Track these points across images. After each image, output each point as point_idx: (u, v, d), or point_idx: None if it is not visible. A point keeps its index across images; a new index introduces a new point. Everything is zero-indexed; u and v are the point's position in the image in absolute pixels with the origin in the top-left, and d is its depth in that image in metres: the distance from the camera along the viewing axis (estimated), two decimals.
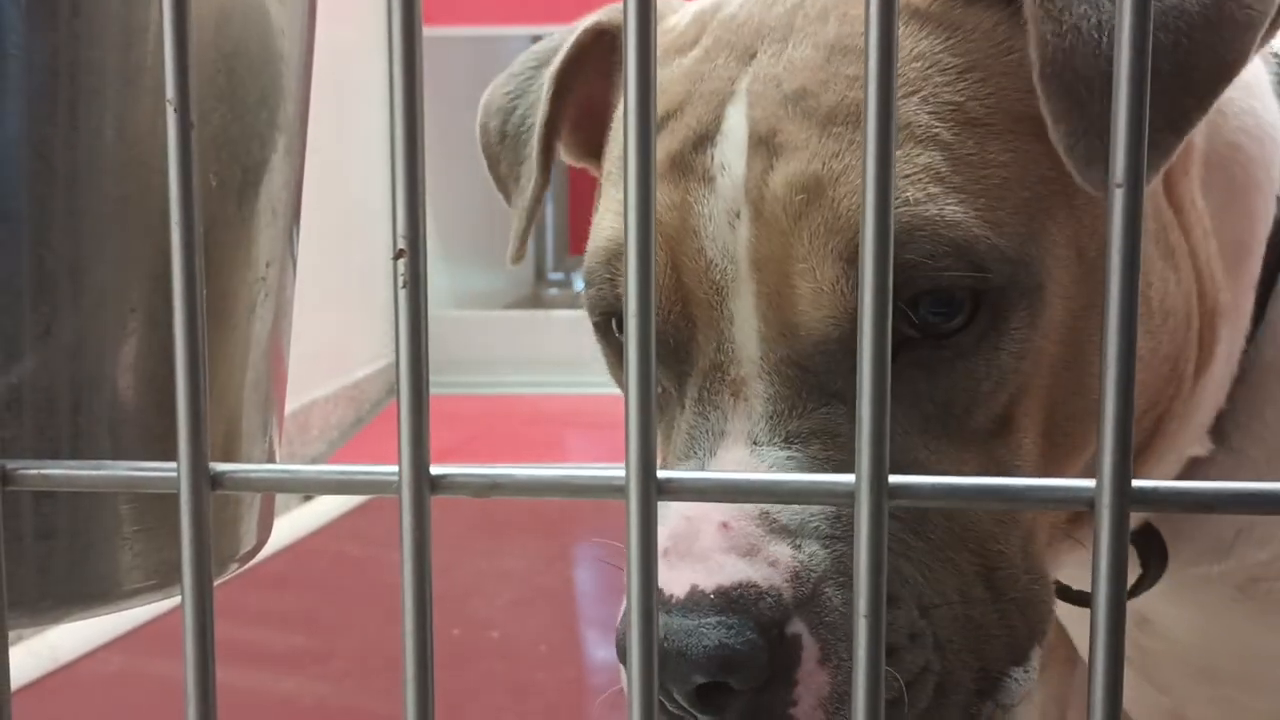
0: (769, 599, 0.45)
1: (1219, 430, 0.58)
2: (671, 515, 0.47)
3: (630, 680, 0.28)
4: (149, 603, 0.39)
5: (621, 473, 0.28)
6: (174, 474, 0.29)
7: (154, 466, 0.30)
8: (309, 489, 0.30)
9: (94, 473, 0.31)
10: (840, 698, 0.45)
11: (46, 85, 0.35)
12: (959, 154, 0.48)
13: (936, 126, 0.48)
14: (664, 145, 0.51)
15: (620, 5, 0.61)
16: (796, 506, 0.46)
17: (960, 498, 0.30)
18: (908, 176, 0.47)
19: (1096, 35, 0.45)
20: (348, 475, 0.30)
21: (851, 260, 0.47)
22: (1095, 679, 0.28)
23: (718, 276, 0.49)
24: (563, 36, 0.65)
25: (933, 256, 0.46)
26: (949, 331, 0.48)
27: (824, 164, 0.48)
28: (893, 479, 0.28)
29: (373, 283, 2.73)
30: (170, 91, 0.27)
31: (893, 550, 0.46)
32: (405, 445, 0.28)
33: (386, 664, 1.42)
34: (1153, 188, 0.52)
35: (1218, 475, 0.58)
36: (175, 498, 0.29)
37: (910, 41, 0.49)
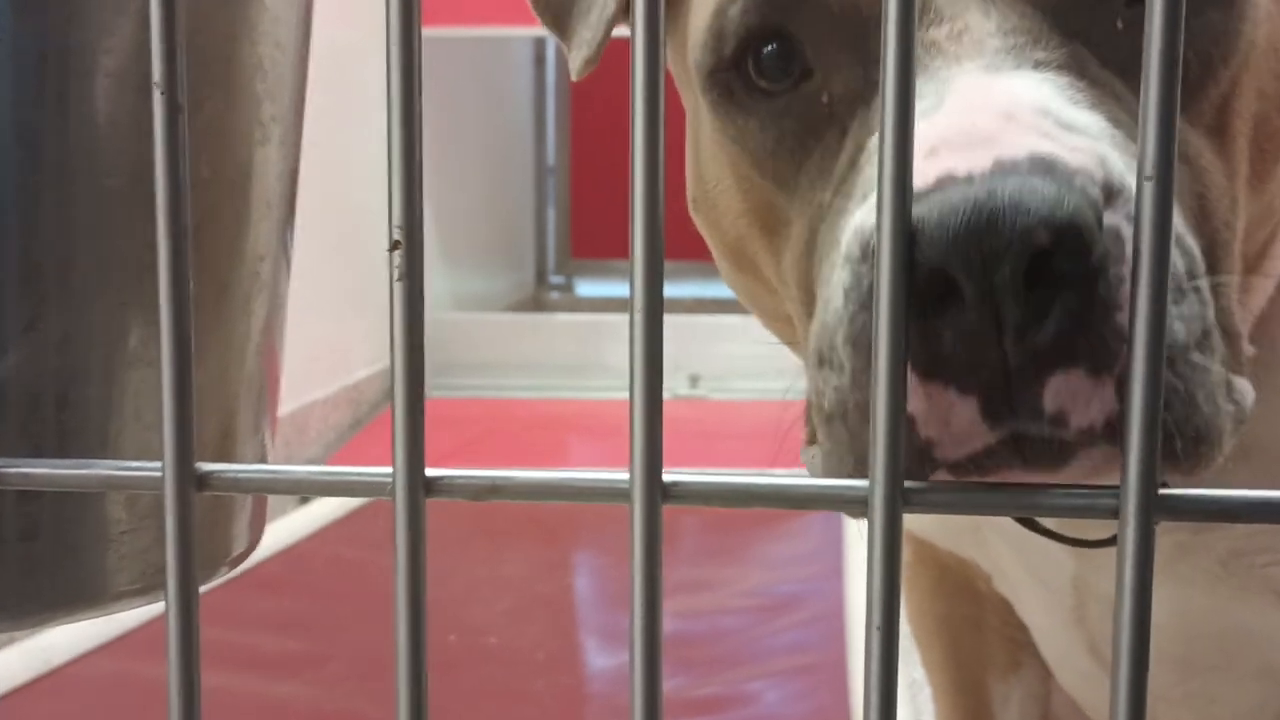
0: (1083, 175, 0.37)
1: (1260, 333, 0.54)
2: (930, 114, 0.40)
3: (632, 679, 0.28)
4: (136, 607, 0.38)
5: (625, 476, 0.27)
6: (159, 474, 0.28)
7: (139, 466, 0.29)
8: (300, 490, 0.29)
9: (77, 472, 0.30)
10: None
11: (34, 72, 0.34)
12: None
13: None
14: None
15: None
16: (1075, 108, 0.40)
17: (973, 506, 0.29)
18: None
19: None
20: (340, 476, 0.29)
21: None
22: (1118, 694, 0.27)
23: None
24: None
25: None
26: None
27: None
28: (907, 484, 0.27)
29: (371, 285, 2.72)
30: (157, 74, 0.26)
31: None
32: (400, 445, 0.27)
33: (382, 669, 1.41)
34: None
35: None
36: (162, 498, 0.28)
37: None
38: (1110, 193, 0.38)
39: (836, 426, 0.41)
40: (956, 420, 0.37)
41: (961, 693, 0.78)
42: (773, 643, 1.45)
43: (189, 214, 0.27)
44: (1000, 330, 0.36)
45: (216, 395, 0.39)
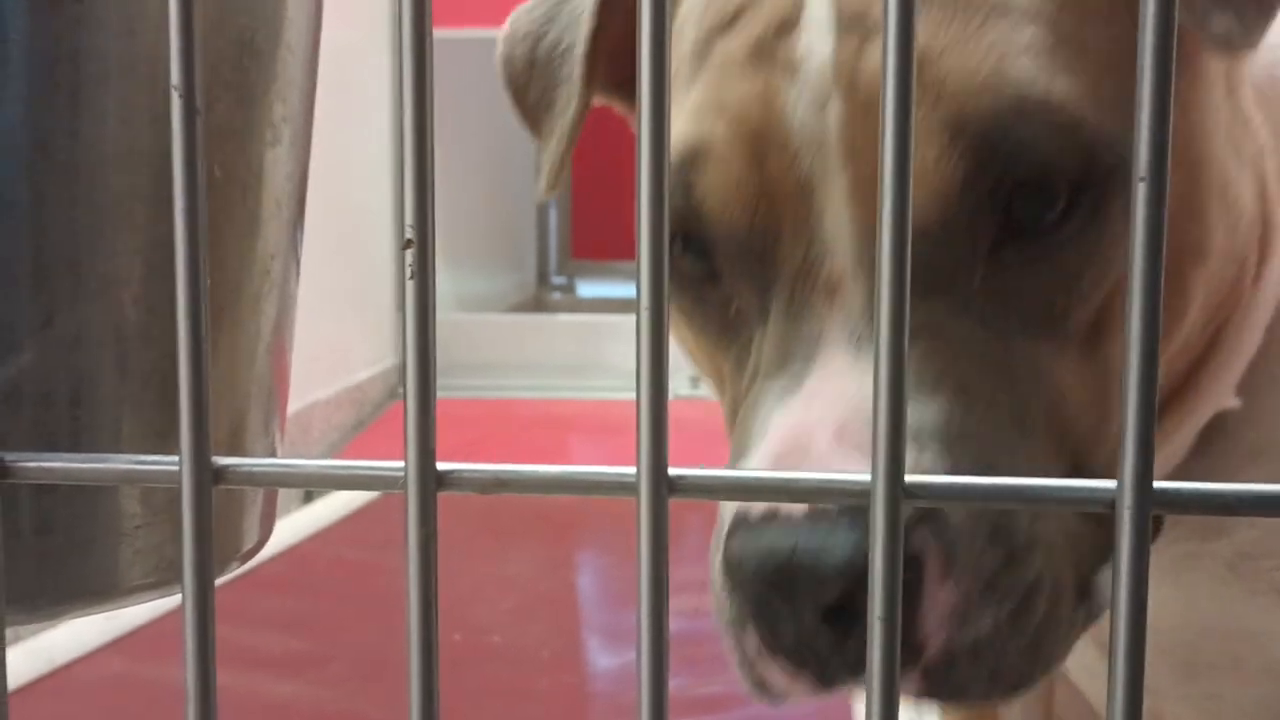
0: None
1: (1245, 385, 0.56)
2: (776, 425, 0.45)
3: (640, 678, 0.28)
4: (149, 600, 0.38)
5: (631, 470, 0.28)
6: (176, 467, 0.28)
7: (156, 460, 0.30)
8: (314, 484, 0.30)
9: (94, 466, 0.30)
10: (964, 612, 0.43)
11: (48, 72, 0.34)
12: (1062, 31, 0.46)
13: (1039, 4, 0.46)
14: (742, 36, 0.48)
15: None
16: (915, 407, 0.44)
17: (978, 497, 0.30)
18: (1015, 51, 0.45)
19: None
20: (353, 470, 0.29)
21: (955, 136, 0.44)
22: (1115, 686, 0.27)
23: (806, 168, 0.46)
24: None
25: (1040, 137, 0.44)
26: (1050, 222, 0.46)
27: (927, 36, 0.45)
28: (909, 478, 0.28)
29: (375, 285, 2.73)
30: (175, 77, 0.27)
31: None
32: (411, 440, 0.28)
33: (385, 669, 1.41)
34: (1217, 82, 0.50)
35: (1236, 428, 0.56)
36: (177, 492, 0.29)
37: None
38: (922, 513, 0.42)
39: (725, 636, 0.47)
40: (795, 680, 0.44)
41: None
42: None
43: (206, 215, 0.28)
44: (818, 641, 0.43)
45: (227, 393, 0.40)
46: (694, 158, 0.49)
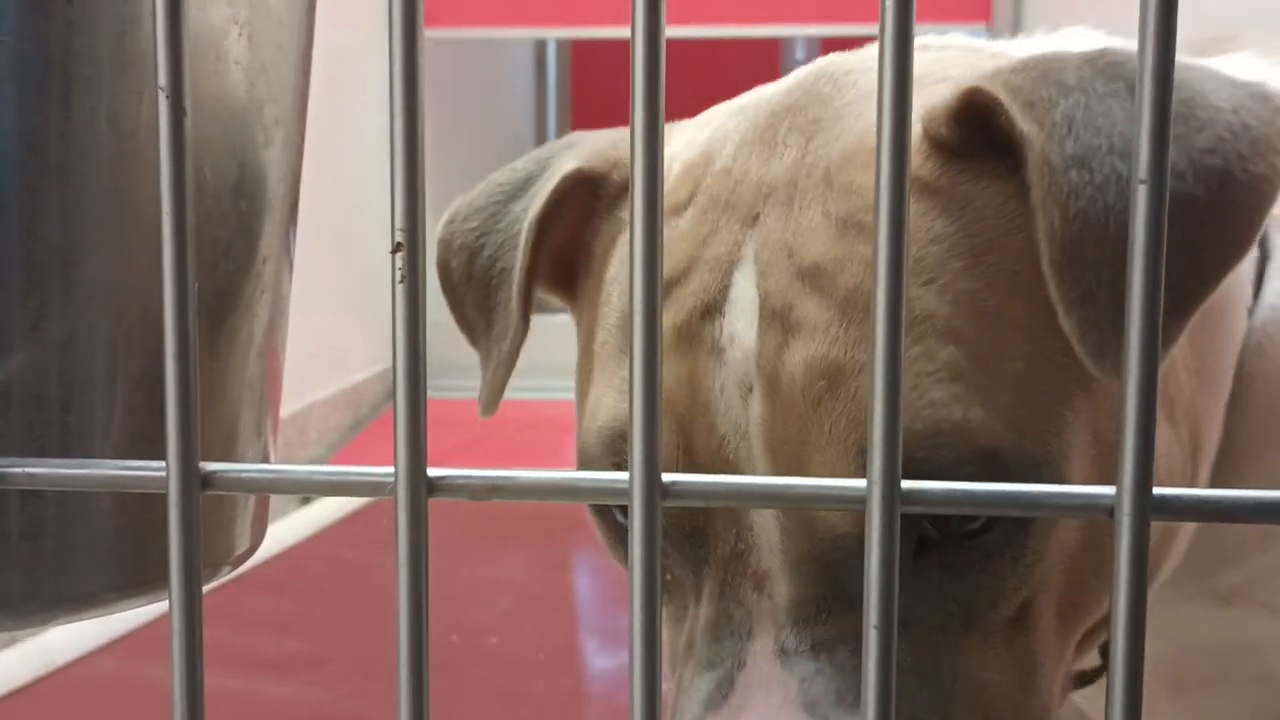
0: None
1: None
2: (716, 708, 0.46)
3: (631, 680, 0.28)
4: (138, 607, 0.38)
5: (625, 476, 0.28)
6: (163, 474, 0.28)
7: (143, 466, 0.29)
8: (303, 490, 0.30)
9: (81, 472, 0.30)
10: None
11: (39, 74, 0.34)
12: (979, 350, 0.46)
13: (956, 320, 0.46)
14: (669, 316, 0.48)
15: (600, 147, 0.58)
16: (838, 711, 0.45)
17: (973, 504, 0.29)
18: (931, 374, 0.45)
19: (1104, 220, 0.43)
20: (343, 476, 0.29)
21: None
22: (1114, 692, 0.27)
23: (731, 454, 0.47)
24: (530, 170, 0.62)
25: (957, 464, 0.44)
26: (972, 533, 0.46)
27: (845, 351, 0.45)
28: (906, 484, 0.27)
29: (372, 286, 2.72)
30: (163, 78, 0.27)
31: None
32: (401, 445, 0.27)
33: (383, 670, 1.41)
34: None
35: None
36: (165, 498, 0.28)
37: (925, 221, 0.47)
38: None
39: None
40: None
41: None
42: None
43: (193, 217, 0.28)
44: None
45: (218, 396, 0.39)
46: (620, 436, 0.50)
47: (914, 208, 0.47)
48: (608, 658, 1.50)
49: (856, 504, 0.27)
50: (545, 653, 1.49)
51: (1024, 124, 0.45)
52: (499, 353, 0.61)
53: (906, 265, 0.26)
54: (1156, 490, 0.27)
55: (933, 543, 0.47)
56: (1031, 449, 0.45)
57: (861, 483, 0.27)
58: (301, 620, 1.60)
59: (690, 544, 0.49)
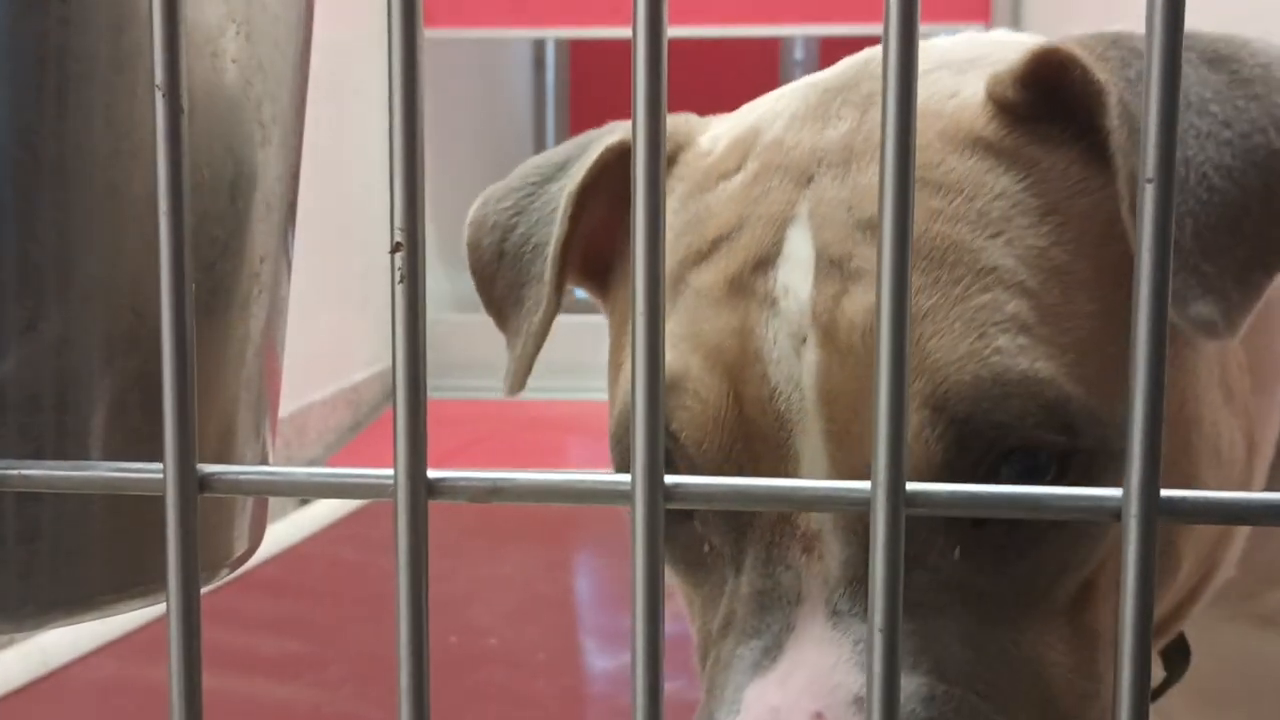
0: None
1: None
2: (750, 702, 0.44)
3: (634, 683, 0.27)
4: (136, 609, 0.37)
5: (626, 478, 0.27)
6: (160, 475, 0.28)
7: (139, 467, 0.29)
8: (301, 492, 0.29)
9: (77, 474, 0.30)
10: None
11: (33, 72, 0.34)
12: (1046, 304, 0.45)
13: (1023, 274, 0.45)
14: (719, 269, 0.48)
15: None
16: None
17: (979, 506, 0.29)
18: (998, 324, 0.44)
19: (1184, 171, 0.43)
20: (341, 478, 0.29)
21: (937, 411, 0.43)
22: (1121, 694, 0.27)
23: (783, 407, 0.45)
24: (569, 152, 0.61)
25: (1023, 415, 0.43)
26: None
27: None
28: (910, 486, 0.27)
29: (371, 285, 2.72)
30: (159, 76, 0.26)
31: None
32: (401, 448, 0.27)
33: (383, 671, 1.40)
34: (1206, 354, 0.49)
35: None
36: (163, 500, 0.28)
37: (990, 178, 0.46)
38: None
39: None
40: None
41: None
42: None
43: (190, 216, 0.27)
44: None
45: (216, 397, 0.39)
46: (670, 387, 0.48)
47: (978, 165, 0.47)
48: (608, 658, 1.50)
49: (860, 506, 0.27)
50: (545, 653, 1.48)
51: (1101, 74, 0.45)
52: (529, 327, 0.59)
53: (909, 276, 0.26)
54: (1164, 492, 0.26)
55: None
56: (1098, 408, 0.44)
57: (865, 485, 0.27)
58: (301, 621, 1.60)
59: (733, 511, 0.47)
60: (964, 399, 0.43)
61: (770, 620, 0.45)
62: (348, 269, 2.59)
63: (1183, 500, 0.27)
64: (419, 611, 0.28)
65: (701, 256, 0.49)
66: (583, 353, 2.84)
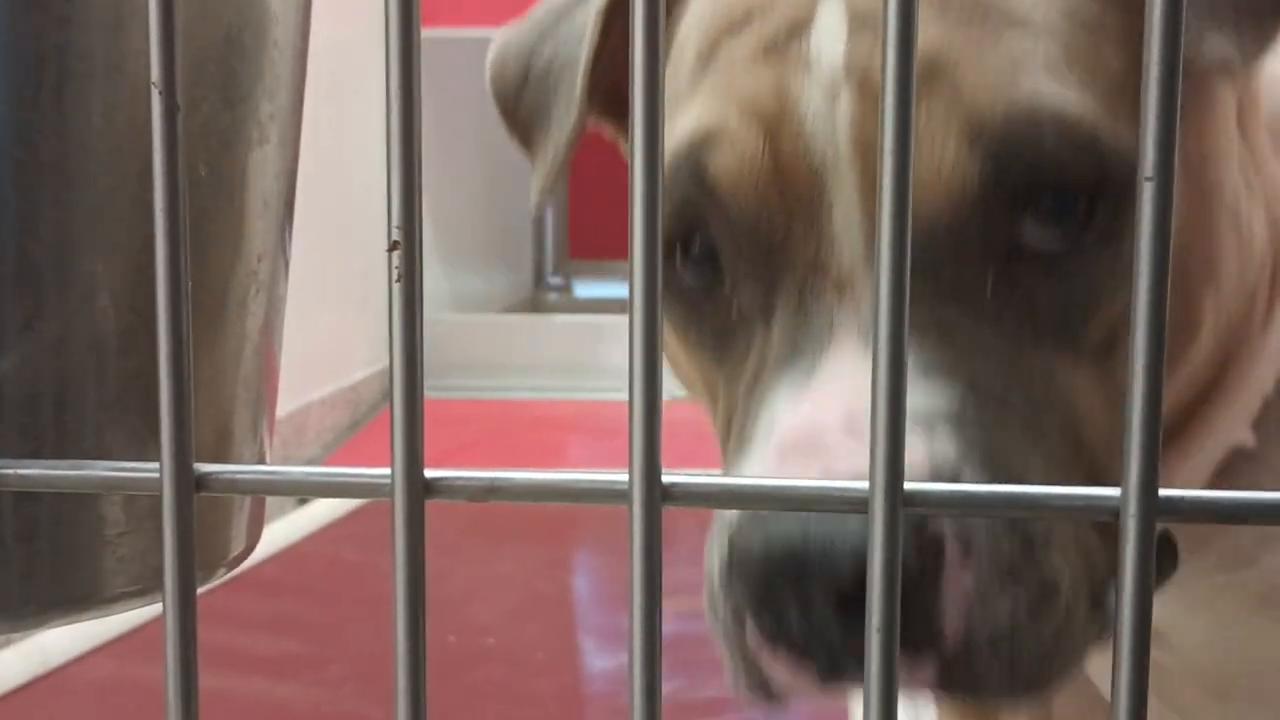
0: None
1: (1261, 422, 0.56)
2: (784, 418, 0.44)
3: (631, 683, 0.27)
4: (134, 609, 0.37)
5: (624, 477, 0.27)
6: (156, 475, 0.28)
7: (136, 467, 0.29)
8: (298, 491, 0.29)
9: (74, 473, 0.30)
10: (983, 598, 0.41)
11: (32, 71, 0.34)
12: (1078, 50, 0.46)
13: (1054, 22, 0.46)
14: (754, 36, 0.48)
15: None
16: (924, 390, 0.43)
17: (978, 504, 0.29)
18: (1032, 60, 0.45)
19: None
20: (338, 478, 0.29)
21: (974, 139, 0.44)
22: (1119, 699, 0.27)
23: (818, 157, 0.46)
24: None
25: (1056, 150, 0.44)
26: (1065, 234, 0.46)
27: (944, 43, 0.45)
28: (908, 486, 0.27)
29: (370, 285, 2.72)
30: (155, 73, 0.26)
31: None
32: (398, 447, 0.27)
33: (383, 671, 1.40)
34: (1229, 114, 0.50)
35: (1252, 469, 0.56)
36: (159, 499, 0.28)
37: None
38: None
39: (721, 641, 0.46)
40: (799, 675, 0.43)
41: None
42: None
43: (187, 214, 0.27)
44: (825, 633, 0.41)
45: (213, 396, 0.39)
46: (706, 139, 0.48)
47: None
48: (608, 658, 1.50)
49: (858, 506, 0.27)
50: (544, 652, 1.48)
51: None
52: (558, 138, 0.60)
53: (907, 273, 0.26)
54: (1163, 491, 0.26)
55: (1026, 245, 0.46)
56: (1128, 149, 0.45)
57: (864, 484, 0.27)
58: (300, 620, 1.59)
59: (768, 257, 0.48)
60: (999, 133, 0.45)
61: (803, 354, 0.46)
62: (347, 269, 2.59)
63: (1181, 500, 0.27)
64: (416, 611, 0.28)
65: (736, 26, 0.50)
66: (583, 353, 2.85)
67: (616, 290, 3.59)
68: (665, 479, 0.27)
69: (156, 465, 0.28)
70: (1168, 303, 0.26)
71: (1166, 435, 0.54)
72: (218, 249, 0.38)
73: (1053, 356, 0.46)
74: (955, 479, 0.42)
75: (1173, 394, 0.51)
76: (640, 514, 0.27)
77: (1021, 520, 0.42)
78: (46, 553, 0.35)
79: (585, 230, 3.81)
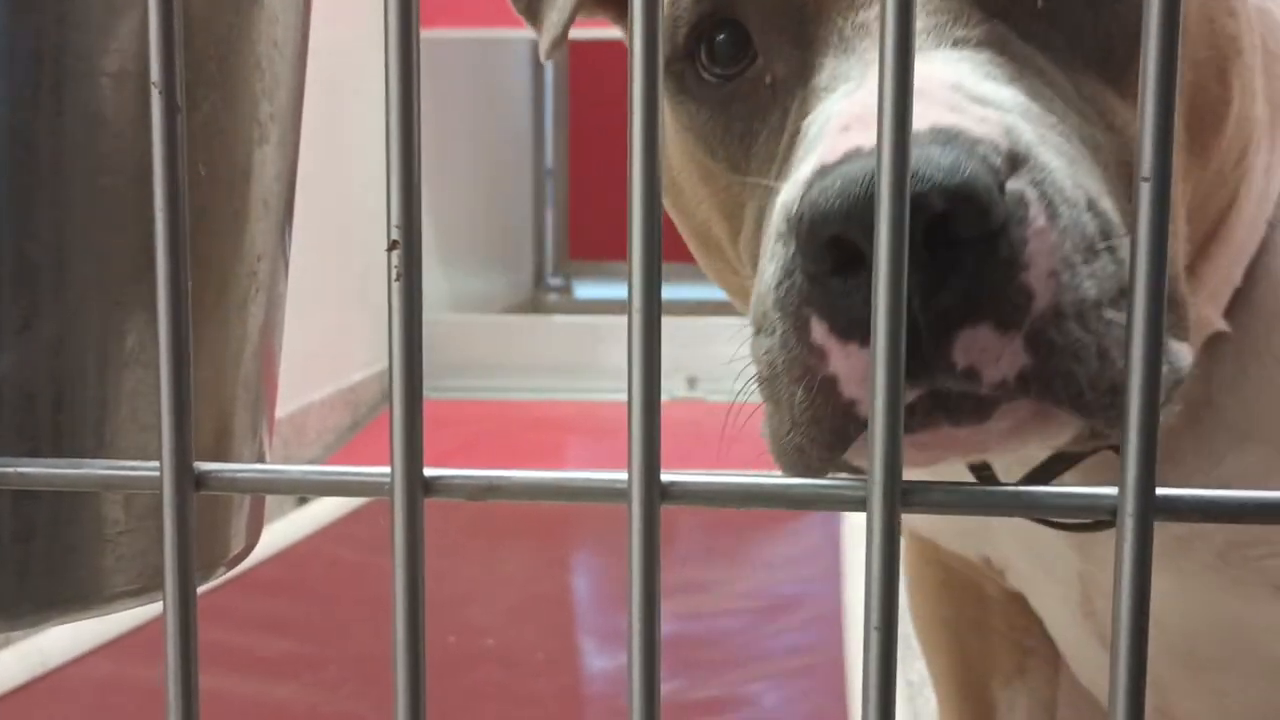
0: (986, 144, 0.39)
1: (1232, 310, 0.55)
2: (838, 102, 0.43)
3: (630, 682, 0.27)
4: (132, 607, 0.37)
5: (623, 476, 0.27)
6: (156, 473, 0.28)
7: (136, 465, 0.29)
8: (297, 490, 0.29)
9: (74, 471, 0.30)
10: (1069, 265, 0.39)
11: (30, 70, 0.34)
12: None
13: None
14: None
15: None
16: (990, 88, 0.42)
17: (973, 504, 0.29)
18: None
19: None
20: (338, 476, 0.29)
21: None
22: (1117, 690, 0.27)
23: None
24: None
25: None
26: None
27: None
28: (906, 480, 0.27)
29: (370, 286, 2.72)
30: (155, 74, 0.26)
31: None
32: (398, 446, 0.27)
33: (382, 671, 1.40)
34: None
35: (1222, 402, 0.55)
36: (159, 498, 0.28)
37: None
38: (1015, 160, 0.40)
39: (772, 388, 0.43)
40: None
41: (966, 698, 0.78)
42: (771, 644, 1.44)
43: (187, 214, 0.27)
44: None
45: (213, 396, 0.39)
46: None
47: None
48: (607, 658, 1.50)
49: (857, 505, 0.27)
50: (543, 653, 1.48)
51: None
52: (562, 7, 0.60)
53: (905, 266, 0.26)
54: (1160, 491, 0.26)
55: None
56: None
57: (862, 482, 0.27)
58: (299, 621, 1.59)
59: (799, 16, 0.47)
60: None
61: (851, 77, 0.45)
62: (347, 269, 2.59)
63: (1178, 498, 0.27)
64: (415, 609, 0.28)
65: None
66: (582, 353, 2.84)
67: (616, 291, 3.59)
68: (664, 478, 0.27)
69: (157, 464, 0.28)
70: (1165, 302, 0.26)
71: (1210, 226, 0.52)
72: (217, 249, 0.38)
73: (1102, 88, 0.46)
74: (1027, 158, 0.40)
75: (1201, 199, 0.50)
76: (639, 512, 0.27)
77: (1099, 207, 0.41)
78: (45, 552, 0.36)
79: (585, 231, 3.81)
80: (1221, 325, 0.55)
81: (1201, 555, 0.59)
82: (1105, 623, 0.65)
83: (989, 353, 0.39)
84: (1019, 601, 0.73)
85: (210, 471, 0.28)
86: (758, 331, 0.43)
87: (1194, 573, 0.60)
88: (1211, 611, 0.62)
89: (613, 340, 2.79)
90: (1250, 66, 0.51)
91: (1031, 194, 0.39)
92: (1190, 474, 0.56)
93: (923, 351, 0.38)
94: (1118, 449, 0.25)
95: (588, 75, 3.60)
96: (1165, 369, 0.42)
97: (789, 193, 0.42)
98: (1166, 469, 0.54)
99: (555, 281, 3.94)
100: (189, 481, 0.28)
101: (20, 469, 0.30)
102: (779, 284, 0.41)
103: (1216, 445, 0.56)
